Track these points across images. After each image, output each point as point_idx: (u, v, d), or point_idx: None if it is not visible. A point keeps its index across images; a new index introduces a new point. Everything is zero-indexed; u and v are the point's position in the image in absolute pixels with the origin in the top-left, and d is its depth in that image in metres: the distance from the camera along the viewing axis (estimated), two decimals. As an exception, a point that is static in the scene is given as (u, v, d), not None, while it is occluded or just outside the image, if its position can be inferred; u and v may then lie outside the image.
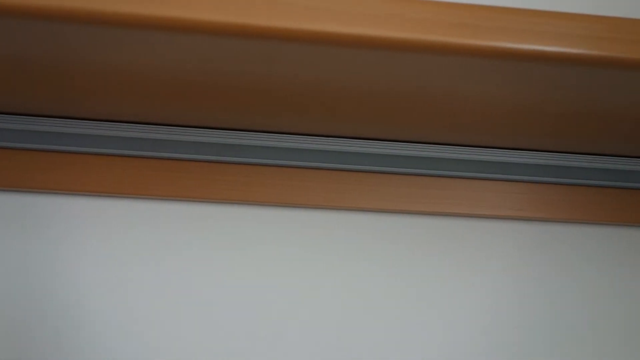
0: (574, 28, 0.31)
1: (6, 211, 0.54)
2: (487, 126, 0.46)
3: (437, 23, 0.31)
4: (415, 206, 0.53)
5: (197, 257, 0.54)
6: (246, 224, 0.54)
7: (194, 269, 0.54)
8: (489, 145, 0.52)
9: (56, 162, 0.53)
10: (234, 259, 0.54)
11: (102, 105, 0.48)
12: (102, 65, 0.37)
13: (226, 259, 0.54)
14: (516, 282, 0.55)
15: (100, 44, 0.33)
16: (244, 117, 0.48)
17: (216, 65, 0.36)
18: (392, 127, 0.49)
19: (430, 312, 0.54)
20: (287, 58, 0.34)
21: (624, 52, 0.31)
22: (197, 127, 0.52)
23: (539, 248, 0.55)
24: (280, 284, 0.54)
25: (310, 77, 0.37)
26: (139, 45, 0.33)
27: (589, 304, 0.55)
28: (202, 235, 0.54)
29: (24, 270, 0.54)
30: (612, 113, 0.41)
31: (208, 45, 0.32)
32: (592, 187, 0.54)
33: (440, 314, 0.54)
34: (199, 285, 0.54)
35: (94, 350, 0.53)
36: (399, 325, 0.54)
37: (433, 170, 0.53)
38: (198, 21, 0.30)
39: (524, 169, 0.53)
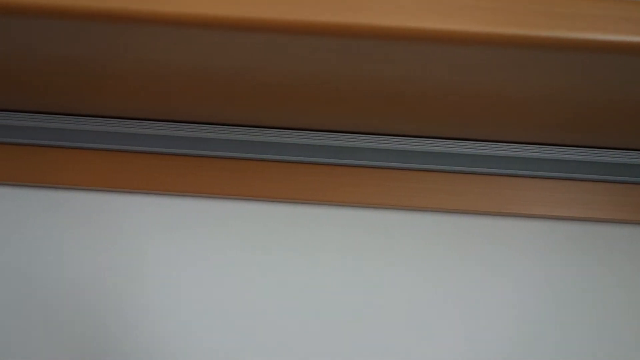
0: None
1: (64, 208, 0.56)
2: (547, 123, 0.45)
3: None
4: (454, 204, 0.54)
5: (251, 256, 0.55)
6: (305, 223, 0.55)
7: (246, 267, 0.55)
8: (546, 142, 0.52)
9: (107, 160, 0.55)
10: (289, 258, 0.55)
11: (150, 105, 0.48)
12: (162, 66, 0.37)
13: (280, 258, 0.55)
14: (559, 282, 0.54)
15: (171, 45, 0.33)
16: (301, 115, 0.48)
17: (262, 63, 0.35)
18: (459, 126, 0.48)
19: (466, 312, 0.54)
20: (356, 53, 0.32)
21: None
22: (242, 125, 0.53)
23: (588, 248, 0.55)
24: (334, 284, 0.55)
25: (398, 74, 0.36)
26: (196, 45, 0.33)
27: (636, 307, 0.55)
28: (257, 234, 0.56)
29: (81, 265, 0.56)
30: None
31: (258, 43, 0.31)
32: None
33: (474, 314, 0.54)
34: (252, 283, 0.55)
35: (149, 344, 0.55)
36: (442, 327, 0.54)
37: (467, 167, 0.53)
38: (240, 18, 0.29)
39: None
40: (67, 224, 0.56)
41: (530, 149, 0.52)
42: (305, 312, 0.55)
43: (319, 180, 0.54)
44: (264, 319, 0.54)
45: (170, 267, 0.55)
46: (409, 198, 0.53)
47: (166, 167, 0.54)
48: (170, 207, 0.56)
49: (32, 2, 0.28)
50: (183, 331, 0.55)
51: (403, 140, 0.52)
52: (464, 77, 0.35)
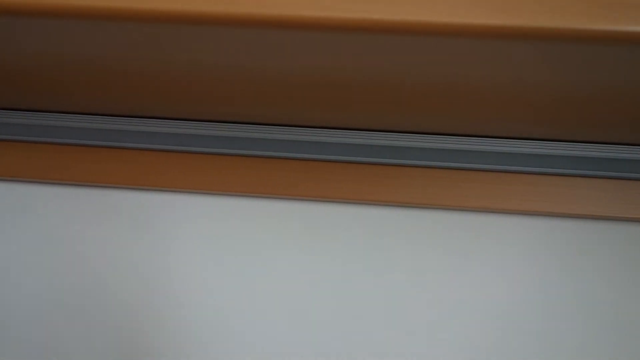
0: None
1: (120, 207, 0.57)
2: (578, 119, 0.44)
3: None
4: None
5: (297, 255, 0.55)
6: (345, 222, 0.55)
7: (291, 266, 0.55)
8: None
9: (167, 162, 0.56)
10: (320, 257, 0.56)
11: (206, 106, 0.49)
12: (219, 69, 0.37)
13: (312, 255, 0.56)
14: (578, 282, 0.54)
15: (219, 46, 0.33)
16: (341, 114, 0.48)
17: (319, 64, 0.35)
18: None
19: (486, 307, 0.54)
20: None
21: None
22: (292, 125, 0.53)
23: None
24: (362, 282, 0.55)
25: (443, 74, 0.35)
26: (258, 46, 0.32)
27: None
28: (301, 232, 0.56)
29: (134, 264, 0.57)
30: None
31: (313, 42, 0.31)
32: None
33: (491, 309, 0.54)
34: (295, 282, 0.55)
35: (179, 337, 0.56)
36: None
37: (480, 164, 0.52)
38: (301, 17, 0.28)
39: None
40: (100, 220, 0.57)
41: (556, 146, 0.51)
42: (328, 309, 0.55)
43: (355, 179, 0.53)
44: (289, 314, 0.55)
45: (203, 263, 0.56)
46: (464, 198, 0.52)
47: (199, 166, 0.55)
48: (200, 205, 0.56)
49: (69, 3, 0.29)
50: (212, 324, 0.55)
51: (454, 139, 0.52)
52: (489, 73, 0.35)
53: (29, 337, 0.56)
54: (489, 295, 0.53)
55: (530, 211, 0.52)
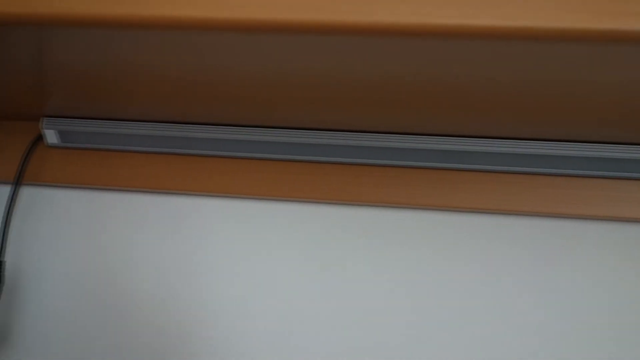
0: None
1: (159, 212, 0.58)
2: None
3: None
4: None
5: (343, 257, 0.55)
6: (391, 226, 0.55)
7: (337, 269, 0.55)
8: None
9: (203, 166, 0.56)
10: (360, 259, 0.55)
11: (249, 112, 0.49)
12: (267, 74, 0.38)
13: (348, 257, 0.55)
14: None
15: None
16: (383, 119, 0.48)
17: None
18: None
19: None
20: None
21: None
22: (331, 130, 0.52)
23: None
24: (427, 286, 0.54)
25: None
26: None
27: None
28: (346, 236, 0.56)
29: (171, 266, 0.57)
30: None
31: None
32: None
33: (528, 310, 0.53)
34: (343, 284, 0.55)
35: (219, 339, 0.56)
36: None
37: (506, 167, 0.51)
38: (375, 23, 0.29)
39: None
40: (139, 225, 0.58)
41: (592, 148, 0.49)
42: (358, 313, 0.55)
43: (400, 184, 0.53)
44: (327, 317, 0.55)
45: (242, 266, 0.56)
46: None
47: (231, 170, 0.56)
48: (237, 209, 0.57)
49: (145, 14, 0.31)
50: (253, 327, 0.55)
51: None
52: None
53: (67, 335, 0.57)
54: (493, 297, 0.53)
55: (533, 212, 0.52)
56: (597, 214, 0.51)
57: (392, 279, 0.55)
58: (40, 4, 0.32)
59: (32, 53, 0.38)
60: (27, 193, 0.61)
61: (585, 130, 0.46)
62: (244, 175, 0.55)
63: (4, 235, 0.58)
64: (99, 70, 0.41)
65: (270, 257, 0.56)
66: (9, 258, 0.60)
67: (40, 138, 0.59)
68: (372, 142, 0.51)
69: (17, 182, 0.59)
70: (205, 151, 0.55)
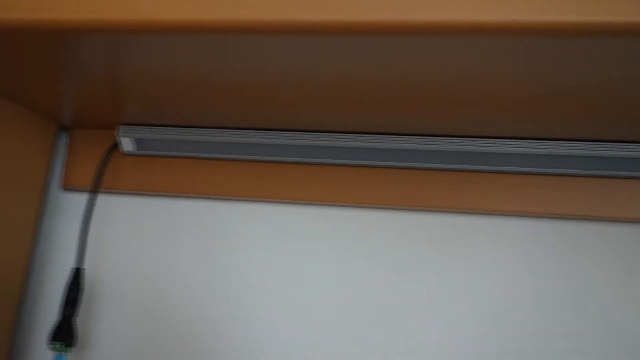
0: None
1: (234, 219, 0.58)
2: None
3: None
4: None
5: (364, 261, 0.56)
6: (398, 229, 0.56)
7: (357, 272, 0.56)
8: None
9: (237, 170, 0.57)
10: (391, 263, 0.55)
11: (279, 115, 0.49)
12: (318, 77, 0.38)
13: (381, 262, 0.56)
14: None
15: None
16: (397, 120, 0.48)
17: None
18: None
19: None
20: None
21: None
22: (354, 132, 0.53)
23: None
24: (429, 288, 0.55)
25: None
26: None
27: None
28: (366, 239, 0.56)
29: (205, 270, 0.58)
30: None
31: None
32: None
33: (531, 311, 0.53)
34: (361, 288, 0.56)
35: (256, 343, 0.56)
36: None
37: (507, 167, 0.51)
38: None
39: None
40: (216, 232, 0.59)
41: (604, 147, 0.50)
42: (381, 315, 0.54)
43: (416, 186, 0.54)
44: (364, 324, 0.55)
45: (280, 270, 0.57)
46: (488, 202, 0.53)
47: (270, 175, 0.56)
48: (273, 214, 0.57)
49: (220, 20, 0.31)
50: (292, 332, 0.56)
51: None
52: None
53: (144, 341, 0.58)
54: (490, 297, 0.53)
55: (533, 212, 0.52)
56: (597, 214, 0.51)
57: (403, 280, 0.55)
58: (120, 10, 0.32)
59: (109, 61, 0.38)
60: (103, 200, 0.61)
61: (587, 129, 0.46)
62: (343, 182, 0.56)
63: (83, 243, 0.59)
64: (175, 77, 0.41)
65: (327, 263, 0.56)
66: (87, 265, 0.60)
67: (116, 146, 0.59)
68: (400, 144, 0.52)
69: (95, 190, 0.59)
70: (287, 158, 0.55)
